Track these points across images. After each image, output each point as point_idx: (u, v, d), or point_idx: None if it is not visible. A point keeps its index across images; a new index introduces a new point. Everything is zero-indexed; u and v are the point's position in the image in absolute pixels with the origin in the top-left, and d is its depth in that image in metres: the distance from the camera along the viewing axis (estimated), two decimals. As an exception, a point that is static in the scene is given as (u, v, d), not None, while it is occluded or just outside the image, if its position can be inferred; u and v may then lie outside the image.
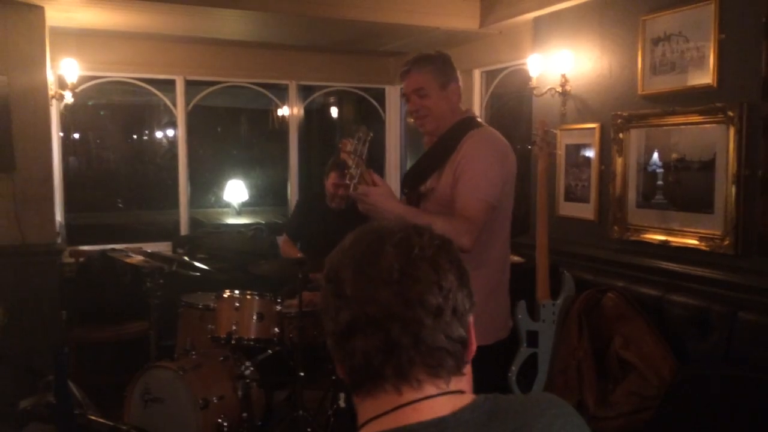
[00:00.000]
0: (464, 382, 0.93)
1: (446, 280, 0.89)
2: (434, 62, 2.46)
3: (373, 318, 0.87)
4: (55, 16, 4.22)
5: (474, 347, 0.94)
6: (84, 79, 4.98)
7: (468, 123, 2.48)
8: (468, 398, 0.90)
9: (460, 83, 2.56)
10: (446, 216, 2.28)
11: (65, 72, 4.49)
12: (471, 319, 0.93)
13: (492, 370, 2.75)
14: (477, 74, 5.28)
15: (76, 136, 7.05)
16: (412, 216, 2.25)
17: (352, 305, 0.88)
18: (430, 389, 0.88)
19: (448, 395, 0.89)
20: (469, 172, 2.34)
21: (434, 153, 2.50)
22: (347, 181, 2.32)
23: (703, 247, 3.25)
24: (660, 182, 3.54)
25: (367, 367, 0.88)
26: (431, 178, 2.45)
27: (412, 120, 2.61)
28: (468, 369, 0.94)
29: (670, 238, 3.45)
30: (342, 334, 0.89)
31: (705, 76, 3.23)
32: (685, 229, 3.38)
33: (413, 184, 2.52)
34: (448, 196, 2.37)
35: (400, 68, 2.52)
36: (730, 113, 3.09)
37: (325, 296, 0.93)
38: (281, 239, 4.63)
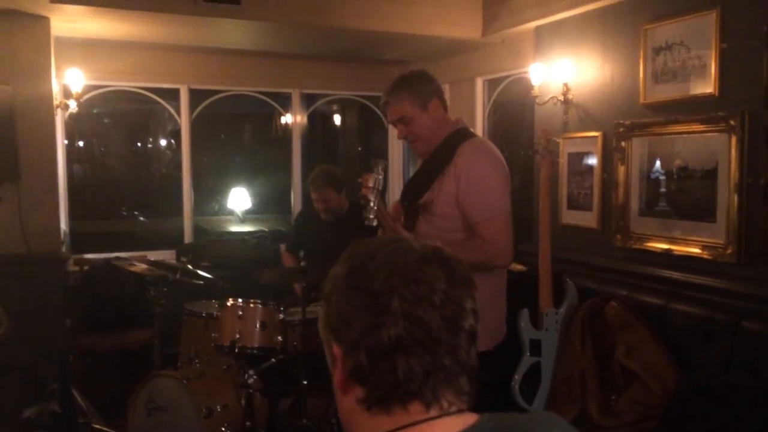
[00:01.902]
0: (473, 417, 0.93)
1: (476, 305, 0.91)
2: (408, 86, 2.51)
3: (423, 339, 0.86)
4: (60, 27, 4.25)
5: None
6: (89, 88, 5.01)
7: (459, 135, 2.53)
8: (473, 417, 0.90)
9: (444, 93, 2.61)
10: (471, 244, 2.40)
11: (70, 81, 4.52)
12: None
13: (497, 374, 2.78)
14: (479, 82, 5.30)
15: (81, 144, 7.08)
16: None
17: (400, 323, 0.86)
18: (450, 408, 0.89)
19: (459, 414, 0.89)
20: (477, 190, 2.40)
21: (429, 167, 2.57)
22: (370, 216, 2.37)
23: (706, 256, 3.25)
24: (663, 190, 3.54)
25: (406, 384, 0.86)
26: (428, 192, 2.51)
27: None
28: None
29: (672, 247, 3.45)
30: (384, 351, 0.87)
31: (706, 85, 3.24)
32: (687, 237, 3.38)
33: (412, 197, 2.58)
34: (449, 207, 2.44)
35: (382, 99, 2.60)
36: (732, 122, 3.10)
37: (352, 304, 0.90)
38: (282, 253, 4.66)
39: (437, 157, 2.52)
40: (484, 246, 2.38)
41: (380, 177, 2.39)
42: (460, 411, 0.89)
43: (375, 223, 2.42)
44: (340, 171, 4.37)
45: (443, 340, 0.87)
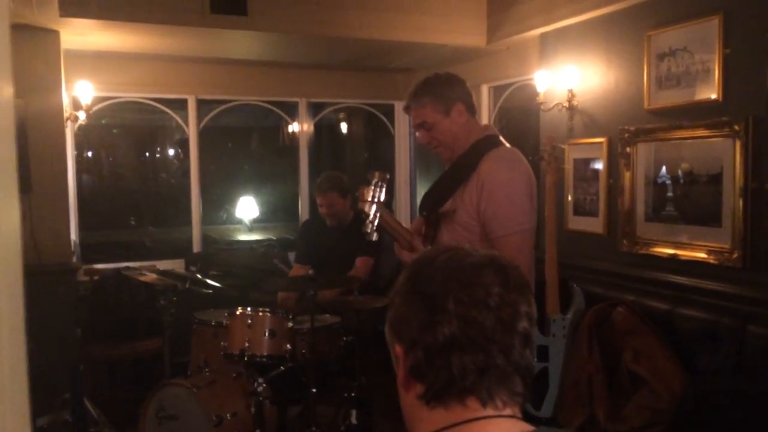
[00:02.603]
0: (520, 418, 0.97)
1: (531, 310, 0.96)
2: (431, 91, 2.40)
3: (476, 338, 0.91)
4: (70, 40, 4.31)
5: None
6: (98, 100, 5.07)
7: (486, 143, 2.41)
8: (528, 427, 0.94)
9: (470, 97, 2.47)
10: None
11: (80, 93, 4.58)
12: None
13: None
14: (485, 89, 5.32)
15: (90, 154, 7.14)
16: None
17: (454, 322, 0.92)
18: (506, 410, 0.93)
19: (515, 419, 0.94)
20: (498, 203, 2.29)
21: (452, 175, 2.46)
22: (367, 230, 2.32)
23: (712, 261, 3.26)
24: (669, 195, 3.55)
25: (461, 381, 0.92)
26: (450, 200, 2.41)
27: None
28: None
29: (678, 252, 3.46)
30: (440, 348, 0.92)
31: (710, 91, 3.26)
32: (693, 242, 3.39)
33: (432, 206, 2.47)
34: (469, 218, 2.34)
35: (404, 101, 2.50)
36: (736, 127, 3.12)
37: (412, 305, 0.96)
38: (293, 267, 4.66)
39: (461, 165, 2.41)
40: None
41: (379, 189, 2.32)
42: (513, 416, 0.94)
43: (375, 237, 2.36)
44: (346, 177, 4.40)
45: (497, 340, 0.92)
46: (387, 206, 2.40)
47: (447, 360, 0.92)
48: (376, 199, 2.31)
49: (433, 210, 2.45)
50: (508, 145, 2.47)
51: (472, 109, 2.47)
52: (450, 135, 2.41)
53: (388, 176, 2.39)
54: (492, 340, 0.92)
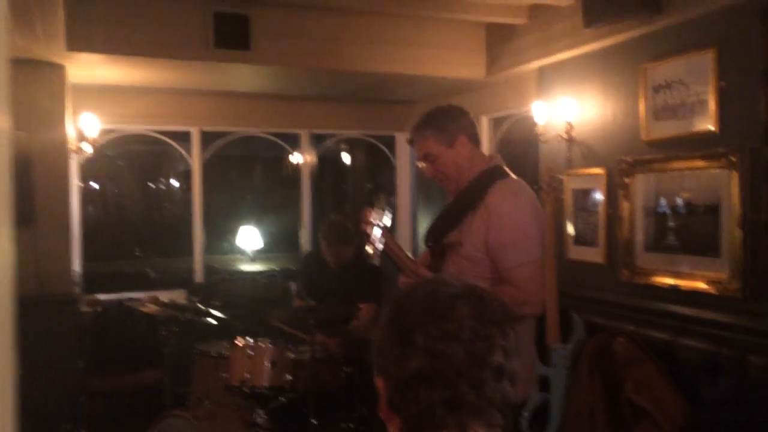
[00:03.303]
0: None
1: (509, 345, 0.95)
2: (434, 124, 2.40)
3: (442, 373, 0.91)
4: (76, 74, 4.39)
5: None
6: (103, 132, 5.13)
7: (492, 173, 2.39)
8: None
9: (474, 128, 2.47)
10: (500, 290, 2.20)
11: (85, 126, 4.64)
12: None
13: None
14: (484, 121, 5.38)
15: (95, 185, 7.21)
16: None
17: (422, 356, 0.92)
18: None
19: None
20: (509, 234, 2.28)
21: (457, 206, 2.44)
22: (370, 252, 2.30)
23: (712, 291, 3.26)
24: (670, 224, 3.57)
25: (430, 415, 0.92)
26: (455, 231, 2.38)
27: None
28: None
29: (678, 282, 3.46)
30: (407, 381, 0.93)
31: (706, 122, 3.30)
32: (693, 272, 3.40)
33: (437, 237, 2.46)
34: (476, 251, 2.32)
35: (408, 134, 2.51)
36: (733, 158, 3.15)
37: (389, 338, 0.97)
38: (295, 303, 4.64)
39: (467, 196, 2.39)
40: (514, 293, 2.20)
41: (384, 213, 2.31)
42: None
43: (378, 263, 2.36)
44: (351, 223, 4.35)
45: (466, 374, 0.91)
46: (390, 232, 2.39)
47: (415, 393, 0.92)
48: (381, 223, 2.30)
49: (438, 241, 2.43)
50: (513, 175, 2.46)
51: (475, 140, 2.47)
52: (454, 167, 2.40)
53: (393, 200, 2.39)
54: (460, 375, 0.91)
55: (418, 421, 0.93)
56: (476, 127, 2.51)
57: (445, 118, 2.42)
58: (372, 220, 2.30)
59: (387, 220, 2.33)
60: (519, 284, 2.25)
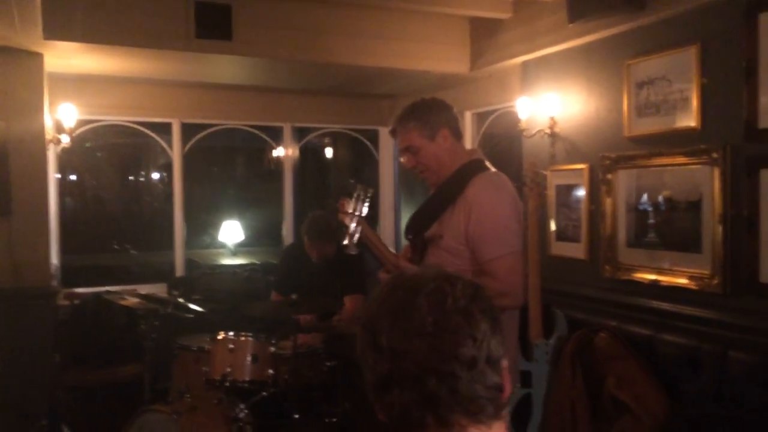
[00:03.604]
0: (504, 425, 0.95)
1: (479, 331, 0.91)
2: (417, 116, 2.42)
3: (409, 372, 0.89)
4: (53, 63, 4.31)
5: (509, 389, 0.95)
6: (81, 123, 5.05)
7: (472, 167, 2.42)
8: None
9: (456, 122, 2.49)
10: (480, 282, 2.23)
11: (63, 116, 4.56)
12: (505, 363, 0.95)
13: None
14: (468, 116, 5.38)
15: (73, 177, 7.10)
16: None
17: (388, 358, 0.90)
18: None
19: None
20: (489, 226, 2.29)
21: (438, 199, 2.47)
22: (345, 242, 2.33)
23: (693, 287, 3.29)
24: (651, 221, 3.59)
25: (407, 417, 0.90)
26: (435, 223, 2.41)
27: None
28: (505, 412, 0.96)
29: (660, 278, 3.48)
30: (380, 386, 0.92)
31: (689, 119, 3.32)
32: (674, 268, 3.42)
33: (417, 229, 2.48)
34: (456, 242, 2.34)
35: (390, 126, 2.53)
36: (715, 155, 3.17)
37: (363, 346, 0.95)
38: (272, 296, 4.61)
39: (447, 188, 2.42)
40: (494, 284, 2.21)
41: (361, 203, 2.33)
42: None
43: (354, 251, 2.37)
44: (333, 218, 4.32)
45: (432, 369, 0.88)
46: (372, 227, 2.40)
47: (389, 396, 0.91)
48: (357, 213, 2.33)
49: (418, 233, 2.45)
50: (493, 169, 2.49)
51: (458, 134, 2.49)
52: (435, 159, 2.43)
53: (371, 191, 2.41)
54: (427, 371, 0.88)
55: (400, 424, 0.91)
56: (459, 122, 2.53)
57: (428, 110, 2.44)
58: (349, 209, 2.32)
59: (364, 210, 2.35)
60: (498, 275, 2.26)
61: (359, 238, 2.33)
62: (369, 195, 2.38)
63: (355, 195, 2.35)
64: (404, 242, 2.69)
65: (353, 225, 2.31)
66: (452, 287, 0.94)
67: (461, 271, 2.24)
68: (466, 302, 0.92)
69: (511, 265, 2.29)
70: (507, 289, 2.26)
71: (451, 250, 2.34)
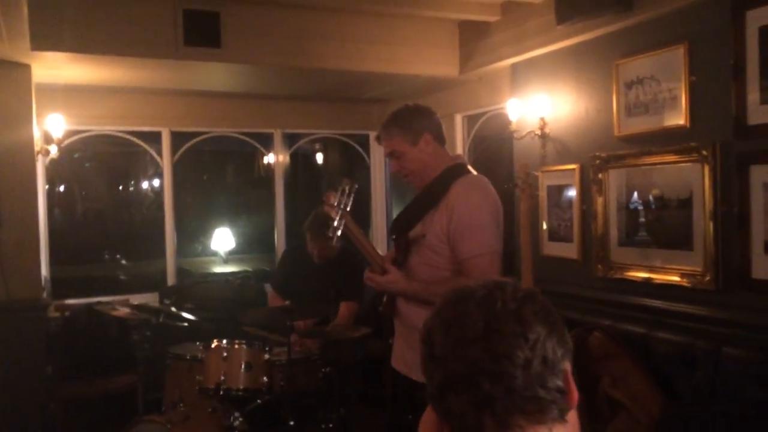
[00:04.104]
0: (569, 430, 0.94)
1: (532, 332, 0.91)
2: (399, 123, 2.53)
3: (462, 375, 0.90)
4: (41, 73, 4.28)
5: (575, 395, 0.95)
6: (70, 133, 5.02)
7: (455, 170, 2.52)
8: None
9: (439, 127, 2.59)
10: (457, 281, 2.34)
11: (51, 127, 4.54)
12: (568, 366, 0.94)
13: None
14: (458, 119, 5.38)
15: (62, 188, 7.06)
16: (425, 289, 2.40)
17: (441, 365, 0.92)
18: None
19: None
20: (467, 226, 2.38)
21: (422, 200, 2.56)
22: (329, 234, 2.42)
23: (685, 284, 3.30)
24: (641, 220, 3.60)
25: (466, 420, 0.91)
26: (420, 224, 2.50)
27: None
28: (572, 416, 0.95)
29: (652, 276, 3.49)
30: (437, 395, 0.93)
31: (678, 117, 3.33)
32: (666, 266, 3.43)
33: (402, 229, 2.56)
34: (439, 242, 2.43)
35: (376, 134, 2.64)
36: (704, 152, 3.18)
37: (422, 358, 0.97)
38: (269, 293, 4.61)
39: (431, 190, 2.51)
40: (469, 284, 2.32)
41: (346, 197, 2.42)
42: None
43: (336, 243, 2.46)
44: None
45: (486, 371, 0.89)
46: (363, 228, 2.45)
47: (447, 402, 0.92)
48: (342, 206, 2.41)
49: (403, 233, 2.54)
50: (475, 172, 2.59)
51: (440, 139, 2.59)
52: (419, 163, 2.53)
53: (356, 186, 2.49)
54: (480, 373, 0.89)
55: (461, 428, 0.92)
56: (442, 127, 2.63)
57: (410, 117, 2.55)
58: (333, 203, 2.41)
59: (349, 203, 2.43)
60: (473, 274, 2.35)
61: (343, 231, 2.41)
62: (354, 190, 2.46)
63: (340, 189, 2.43)
64: (396, 244, 2.71)
65: (338, 218, 2.39)
66: (502, 292, 0.95)
67: (442, 269, 2.43)
68: (516, 305, 0.93)
69: (486, 265, 2.38)
70: None
71: (433, 248, 2.44)
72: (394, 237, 2.60)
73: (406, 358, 2.58)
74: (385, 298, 2.65)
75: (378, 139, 2.63)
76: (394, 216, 6.35)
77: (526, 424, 0.90)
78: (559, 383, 0.92)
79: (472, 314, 0.93)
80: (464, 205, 2.40)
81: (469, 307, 0.94)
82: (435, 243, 2.43)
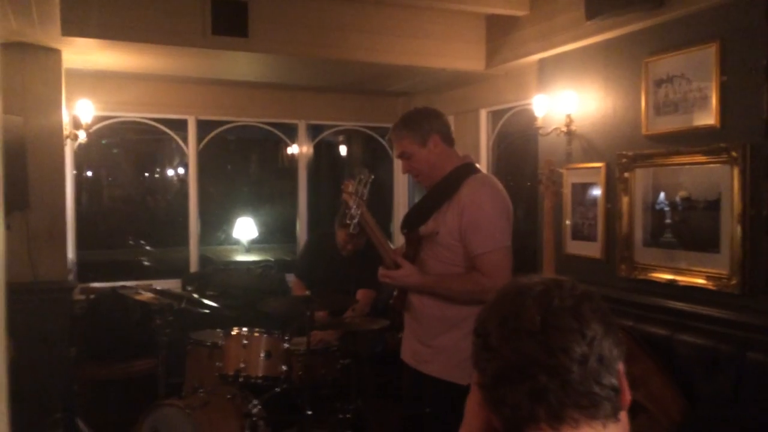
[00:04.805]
0: (620, 429, 0.95)
1: (589, 329, 0.92)
2: (409, 125, 2.61)
3: (519, 366, 0.91)
4: (71, 59, 4.34)
5: (628, 395, 0.96)
6: (98, 119, 5.09)
7: (464, 169, 2.59)
8: None
9: (448, 129, 2.66)
10: (469, 276, 2.45)
11: (80, 112, 4.60)
12: (621, 367, 0.96)
13: None
14: (483, 114, 5.35)
15: (89, 174, 7.15)
16: (438, 282, 2.48)
17: (498, 356, 0.93)
18: (586, 430, 0.91)
19: None
20: (478, 223, 2.45)
21: (433, 197, 2.63)
22: (347, 221, 2.51)
23: (711, 287, 3.25)
24: (668, 221, 3.56)
25: (519, 411, 0.92)
26: (431, 220, 2.56)
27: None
28: (624, 417, 0.96)
29: (677, 277, 3.45)
30: (491, 385, 0.95)
31: (708, 117, 3.28)
32: (692, 268, 3.38)
33: (413, 225, 2.63)
34: (451, 239, 2.49)
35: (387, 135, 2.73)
36: (734, 153, 3.13)
37: (475, 350, 0.99)
38: (292, 281, 4.64)
39: (441, 188, 2.59)
40: (481, 279, 2.43)
41: (363, 186, 2.49)
42: None
43: (356, 230, 2.53)
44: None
45: (542, 363, 0.90)
46: (385, 222, 2.50)
47: (502, 394, 0.93)
48: (359, 195, 2.49)
49: (414, 228, 2.60)
50: (484, 171, 2.69)
51: (449, 140, 2.67)
52: (427, 164, 2.61)
53: (372, 177, 2.56)
54: (537, 365, 0.90)
55: (512, 421, 0.93)
56: (450, 128, 2.72)
57: (419, 119, 2.63)
58: (351, 191, 2.49)
59: (365, 193, 2.51)
60: (485, 270, 2.42)
61: (359, 221, 2.50)
62: (370, 180, 2.53)
63: (357, 178, 2.51)
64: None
65: (355, 206, 2.47)
66: (559, 289, 0.96)
67: (455, 265, 2.50)
68: (573, 302, 0.94)
69: (497, 260, 2.44)
70: (493, 284, 2.36)
71: (446, 245, 2.51)
72: (405, 232, 2.66)
73: (414, 351, 2.62)
74: (395, 292, 2.67)
75: (388, 140, 2.71)
76: (416, 209, 6.38)
77: (580, 417, 0.91)
78: (614, 381, 0.93)
79: (530, 309, 0.94)
80: (475, 203, 2.47)
81: (526, 301, 0.95)
82: (447, 240, 2.50)
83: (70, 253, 4.94)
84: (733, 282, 3.13)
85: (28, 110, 4.08)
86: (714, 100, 3.24)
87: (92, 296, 4.88)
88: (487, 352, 0.95)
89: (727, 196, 3.17)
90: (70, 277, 4.49)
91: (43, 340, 4.01)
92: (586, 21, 3.69)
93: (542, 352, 0.91)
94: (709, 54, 3.27)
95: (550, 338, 0.91)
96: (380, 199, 6.24)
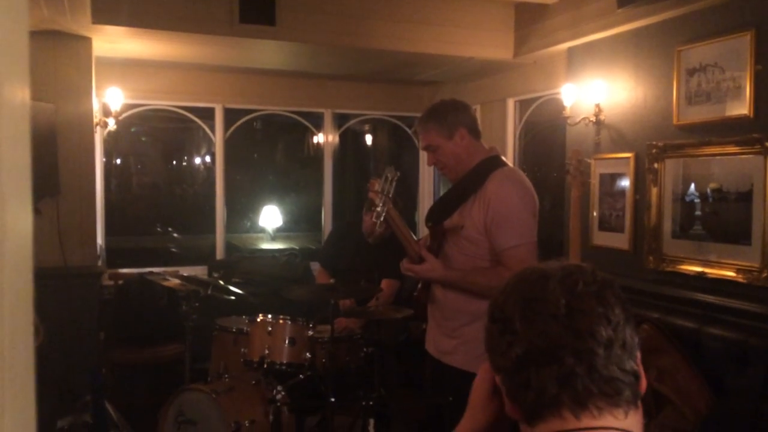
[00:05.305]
0: (639, 416, 0.95)
1: (614, 314, 0.92)
2: (435, 117, 2.59)
3: (545, 349, 0.91)
4: (101, 47, 4.39)
5: (645, 381, 0.96)
6: (127, 107, 5.14)
7: (491, 162, 2.57)
8: None
9: (474, 122, 2.64)
10: (495, 270, 2.44)
11: (110, 100, 4.65)
12: (638, 354, 0.96)
13: None
14: (511, 103, 5.30)
15: (118, 161, 7.24)
16: (462, 277, 2.47)
17: (523, 339, 0.93)
18: (609, 419, 0.91)
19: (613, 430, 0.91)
20: (504, 218, 2.44)
21: (458, 190, 2.62)
22: (374, 219, 2.52)
23: (741, 280, 3.20)
24: (697, 213, 3.50)
25: (543, 395, 0.91)
26: (456, 213, 2.55)
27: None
28: (640, 404, 0.96)
29: (706, 270, 3.39)
30: (515, 368, 0.94)
31: (741, 107, 3.21)
32: (721, 260, 3.33)
33: (438, 218, 2.61)
34: (476, 233, 2.48)
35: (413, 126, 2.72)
36: (767, 144, 3.06)
37: (492, 335, 0.98)
38: (317, 269, 4.65)
39: (467, 181, 2.57)
40: (506, 274, 2.36)
41: (389, 184, 2.48)
42: (610, 428, 0.91)
43: (382, 227, 2.54)
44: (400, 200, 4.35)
45: (569, 346, 0.90)
46: (410, 212, 2.51)
47: (526, 377, 0.92)
48: (385, 192, 2.48)
49: (439, 222, 2.58)
50: (511, 164, 2.65)
51: (475, 133, 2.64)
52: (453, 157, 2.59)
53: (398, 174, 2.55)
54: (564, 348, 0.90)
55: (535, 406, 0.93)
56: (477, 121, 2.69)
57: (446, 111, 2.61)
58: (377, 189, 2.48)
59: (392, 190, 2.50)
60: (510, 265, 2.39)
61: (385, 217, 2.49)
62: (396, 177, 2.52)
63: (384, 176, 2.49)
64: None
65: (381, 204, 2.47)
66: (582, 274, 0.96)
67: (481, 259, 2.49)
68: (597, 287, 0.94)
69: (522, 255, 2.41)
70: None
71: (471, 239, 2.49)
72: (430, 225, 2.65)
73: (437, 342, 2.61)
74: (420, 285, 2.67)
75: (415, 132, 2.70)
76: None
77: (604, 405, 0.91)
78: (635, 366, 0.93)
79: (554, 292, 0.93)
80: (501, 197, 2.45)
81: (549, 285, 0.94)
82: (472, 234, 2.48)
83: (99, 239, 5.02)
84: (764, 275, 3.08)
85: (58, 97, 4.13)
86: (748, 90, 3.17)
87: (120, 282, 4.95)
88: (509, 335, 0.94)
89: (760, 188, 3.11)
90: (99, 262, 4.56)
91: (72, 325, 4.08)
92: (618, 9, 3.63)
93: (569, 335, 0.90)
94: (743, 42, 3.20)
95: (576, 321, 0.91)
96: (405, 189, 6.23)
